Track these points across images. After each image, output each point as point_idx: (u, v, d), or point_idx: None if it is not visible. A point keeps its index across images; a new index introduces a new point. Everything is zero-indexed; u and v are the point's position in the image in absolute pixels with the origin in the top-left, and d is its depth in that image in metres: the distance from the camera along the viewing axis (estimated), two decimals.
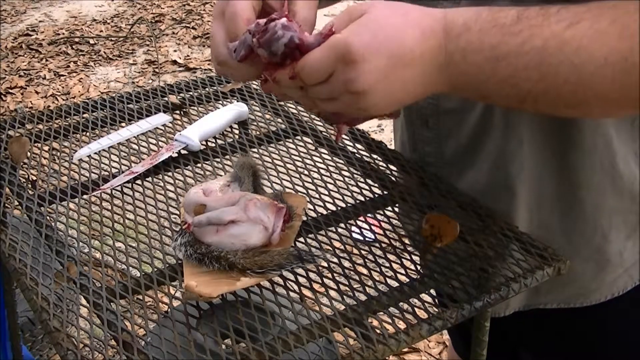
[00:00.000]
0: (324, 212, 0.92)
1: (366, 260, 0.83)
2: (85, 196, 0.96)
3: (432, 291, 0.86)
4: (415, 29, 0.64)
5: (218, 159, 1.05)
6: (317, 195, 0.95)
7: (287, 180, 0.98)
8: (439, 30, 0.65)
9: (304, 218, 0.89)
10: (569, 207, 0.86)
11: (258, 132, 1.13)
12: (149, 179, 1.00)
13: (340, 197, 0.94)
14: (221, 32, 0.74)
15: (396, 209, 0.95)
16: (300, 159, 1.03)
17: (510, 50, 0.64)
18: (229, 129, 1.14)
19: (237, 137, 1.13)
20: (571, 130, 0.81)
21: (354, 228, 0.91)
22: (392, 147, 1.05)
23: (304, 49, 0.66)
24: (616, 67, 0.62)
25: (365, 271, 0.81)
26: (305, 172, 1.00)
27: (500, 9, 0.65)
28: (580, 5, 0.64)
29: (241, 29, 0.72)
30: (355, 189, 0.96)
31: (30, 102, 3.61)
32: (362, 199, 0.94)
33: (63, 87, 3.77)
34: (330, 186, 0.96)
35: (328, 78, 0.65)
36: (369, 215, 0.92)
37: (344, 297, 0.78)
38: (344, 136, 1.08)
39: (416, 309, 0.76)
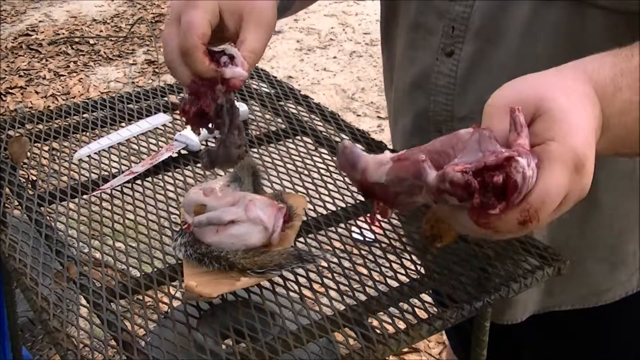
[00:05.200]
0: (324, 212, 0.92)
1: (366, 260, 0.83)
2: (85, 196, 0.96)
3: (432, 291, 0.86)
4: (588, 105, 0.59)
5: None
6: (317, 195, 0.94)
7: (287, 180, 0.98)
8: (594, 94, 0.60)
9: (304, 218, 0.89)
10: (588, 208, 0.85)
11: (258, 132, 1.13)
12: (149, 179, 0.99)
13: (340, 197, 0.94)
14: (175, 39, 0.72)
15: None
16: (300, 159, 1.03)
17: None
18: None
19: None
20: None
21: (354, 228, 0.91)
22: (392, 147, 1.05)
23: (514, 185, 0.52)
24: None
25: (365, 271, 0.81)
26: (305, 172, 1.00)
27: (626, 56, 0.61)
28: None
29: (194, 43, 0.70)
30: (355, 189, 0.96)
31: (30, 102, 3.61)
32: (362, 199, 0.94)
33: (63, 87, 3.77)
34: (330, 186, 0.96)
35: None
36: (369, 215, 0.92)
37: (344, 297, 0.77)
38: (344, 136, 1.08)
39: (416, 309, 0.76)
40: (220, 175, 0.98)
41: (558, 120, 0.56)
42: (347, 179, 0.98)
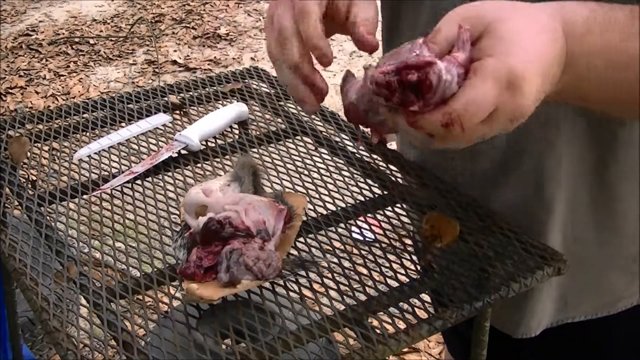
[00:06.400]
0: (324, 212, 0.92)
1: (366, 260, 0.83)
2: (85, 196, 0.96)
3: (432, 291, 0.86)
4: (547, 35, 0.59)
5: (218, 159, 1.05)
6: (317, 195, 0.94)
7: (287, 180, 0.98)
8: (561, 31, 0.60)
9: (304, 218, 0.89)
10: (604, 220, 0.85)
11: (258, 132, 1.13)
12: (149, 179, 1.00)
13: (340, 197, 0.94)
14: (290, 19, 0.69)
15: (397, 209, 0.95)
16: (300, 159, 1.03)
17: (631, 55, 0.60)
18: (229, 129, 1.14)
19: (237, 137, 1.13)
20: (612, 144, 0.80)
21: (354, 228, 0.91)
22: (392, 147, 1.05)
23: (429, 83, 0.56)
24: None
25: (365, 271, 0.81)
26: (305, 172, 1.00)
27: (611, 6, 0.61)
28: None
29: (318, 34, 0.67)
30: (355, 189, 0.96)
31: (30, 102, 3.61)
32: (362, 199, 0.94)
33: (63, 87, 3.78)
34: (330, 186, 0.96)
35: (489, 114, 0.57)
36: (369, 215, 0.92)
37: (344, 297, 0.77)
38: (344, 136, 1.08)
39: (416, 309, 0.76)
40: (220, 175, 0.98)
41: (502, 40, 0.57)
42: (347, 179, 0.98)
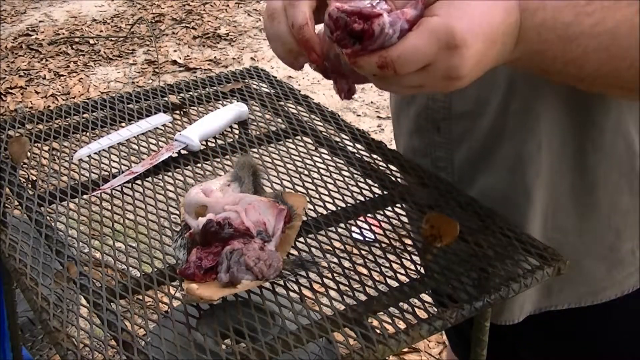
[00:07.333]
0: (324, 212, 0.92)
1: (366, 260, 0.83)
2: (85, 196, 0.96)
3: (432, 291, 0.86)
4: (499, 7, 0.62)
5: (218, 159, 1.05)
6: (317, 195, 0.94)
7: (287, 180, 0.98)
8: (516, 5, 0.63)
9: (304, 218, 0.89)
10: (585, 208, 0.85)
11: (258, 132, 1.13)
12: (149, 179, 1.00)
13: (340, 197, 0.94)
14: (286, 31, 0.67)
15: (397, 209, 0.95)
16: (300, 159, 1.03)
17: (583, 31, 0.63)
18: (229, 129, 1.14)
19: (237, 137, 1.13)
20: (592, 131, 0.81)
21: (354, 228, 0.91)
22: (392, 147, 1.05)
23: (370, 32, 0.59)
24: None
25: (365, 271, 0.81)
26: (305, 172, 1.00)
27: None
28: None
29: (308, 31, 0.65)
30: (355, 189, 0.96)
31: (30, 102, 3.61)
32: (362, 199, 0.94)
33: (63, 87, 3.78)
34: (330, 186, 0.96)
35: (423, 67, 0.60)
36: (369, 215, 0.92)
37: (344, 297, 0.78)
38: (344, 136, 1.08)
39: (416, 309, 0.76)
40: (220, 175, 0.98)
41: (452, 5, 0.60)
42: (347, 179, 0.98)
